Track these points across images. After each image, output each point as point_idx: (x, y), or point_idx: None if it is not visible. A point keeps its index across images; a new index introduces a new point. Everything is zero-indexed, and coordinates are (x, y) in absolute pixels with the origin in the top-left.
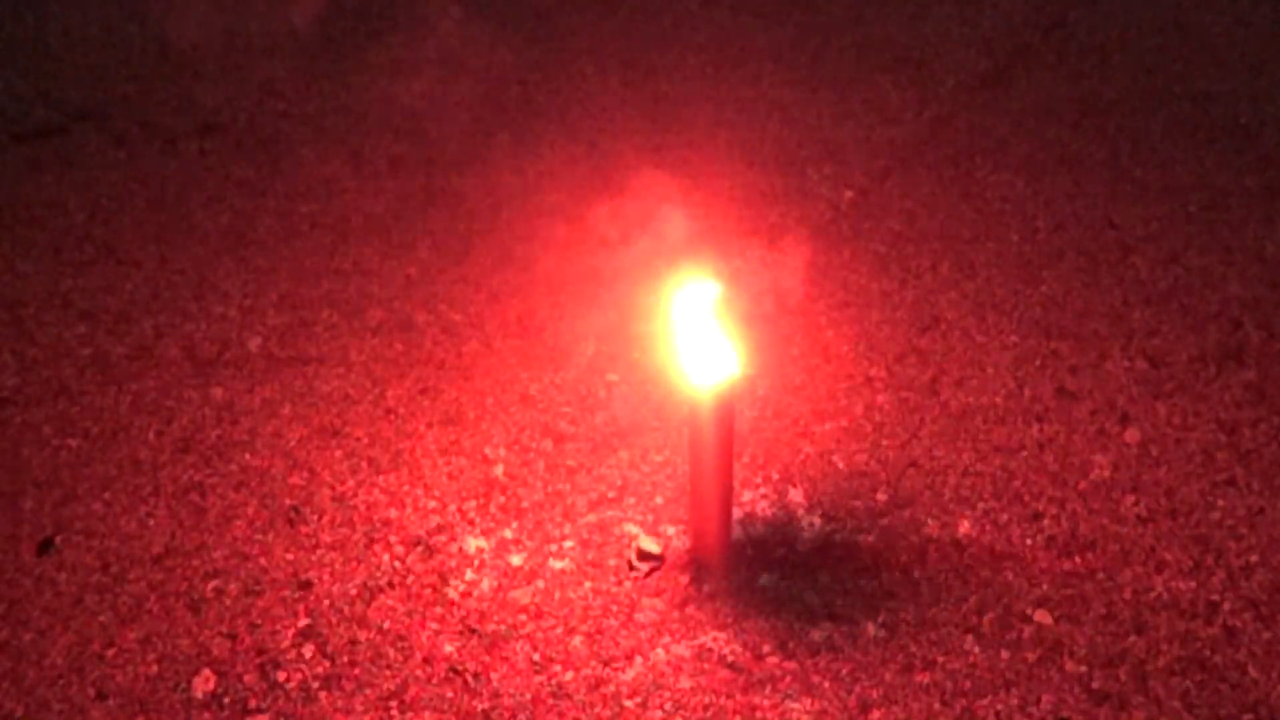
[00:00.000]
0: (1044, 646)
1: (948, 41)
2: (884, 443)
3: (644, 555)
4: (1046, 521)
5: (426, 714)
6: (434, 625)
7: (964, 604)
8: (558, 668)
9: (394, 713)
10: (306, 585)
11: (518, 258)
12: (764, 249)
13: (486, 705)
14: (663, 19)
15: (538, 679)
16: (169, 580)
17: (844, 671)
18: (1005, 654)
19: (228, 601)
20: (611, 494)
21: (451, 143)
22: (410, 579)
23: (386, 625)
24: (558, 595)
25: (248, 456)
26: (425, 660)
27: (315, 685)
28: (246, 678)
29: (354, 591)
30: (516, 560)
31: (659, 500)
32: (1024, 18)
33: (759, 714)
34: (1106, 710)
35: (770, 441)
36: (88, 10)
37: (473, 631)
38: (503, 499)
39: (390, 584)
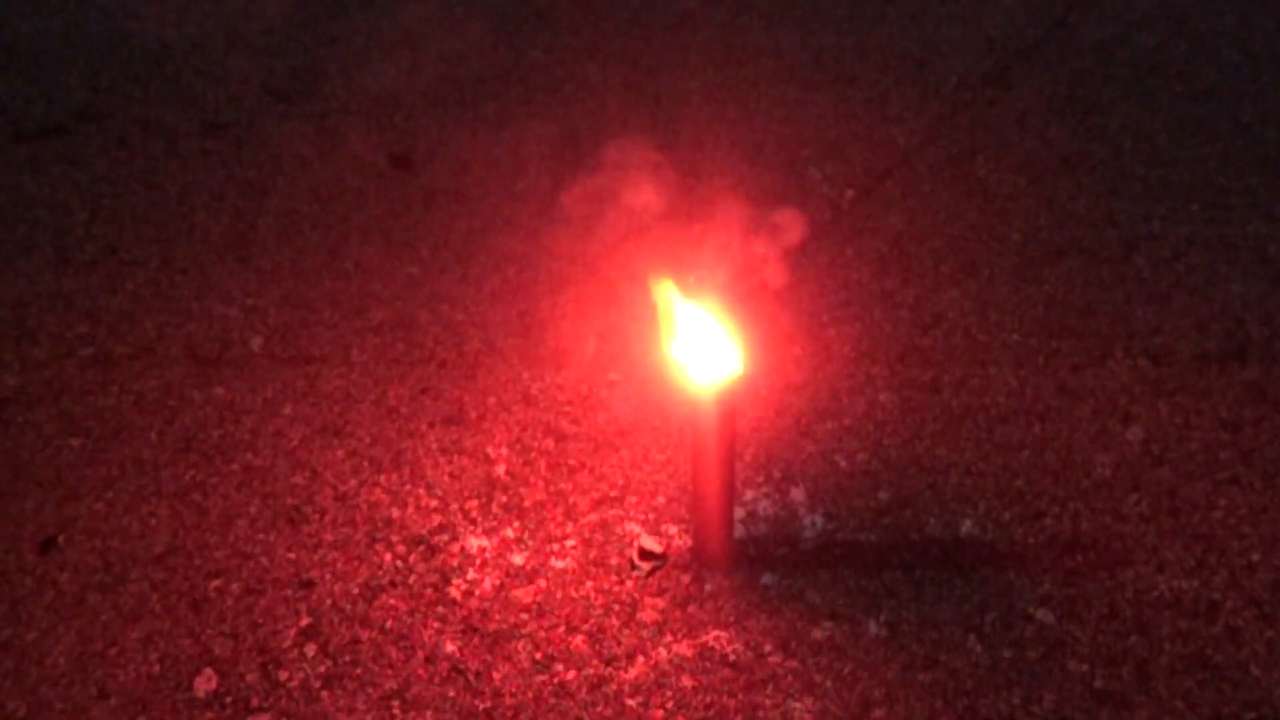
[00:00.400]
0: (1046, 645)
1: (949, 40)
2: (886, 441)
3: (646, 554)
4: (1048, 520)
5: (428, 713)
6: (436, 624)
7: (966, 603)
8: (560, 667)
9: (396, 712)
10: (308, 584)
11: (519, 257)
12: (766, 248)
13: (488, 704)
14: (664, 18)
15: (539, 678)
16: (171, 579)
17: (846, 670)
18: (1007, 653)
19: (230, 601)
20: (613, 493)
21: (452, 142)
22: (412, 578)
23: (388, 624)
24: (559, 594)
25: (249, 456)
26: (427, 659)
27: (317, 684)
28: (248, 677)
29: (356, 591)
30: (518, 559)
31: (661, 499)
32: (1025, 16)
33: (761, 713)
34: (1109, 709)
35: (772, 440)
36: (89, 10)
37: (475, 631)
38: (504, 498)
39: (392, 583)
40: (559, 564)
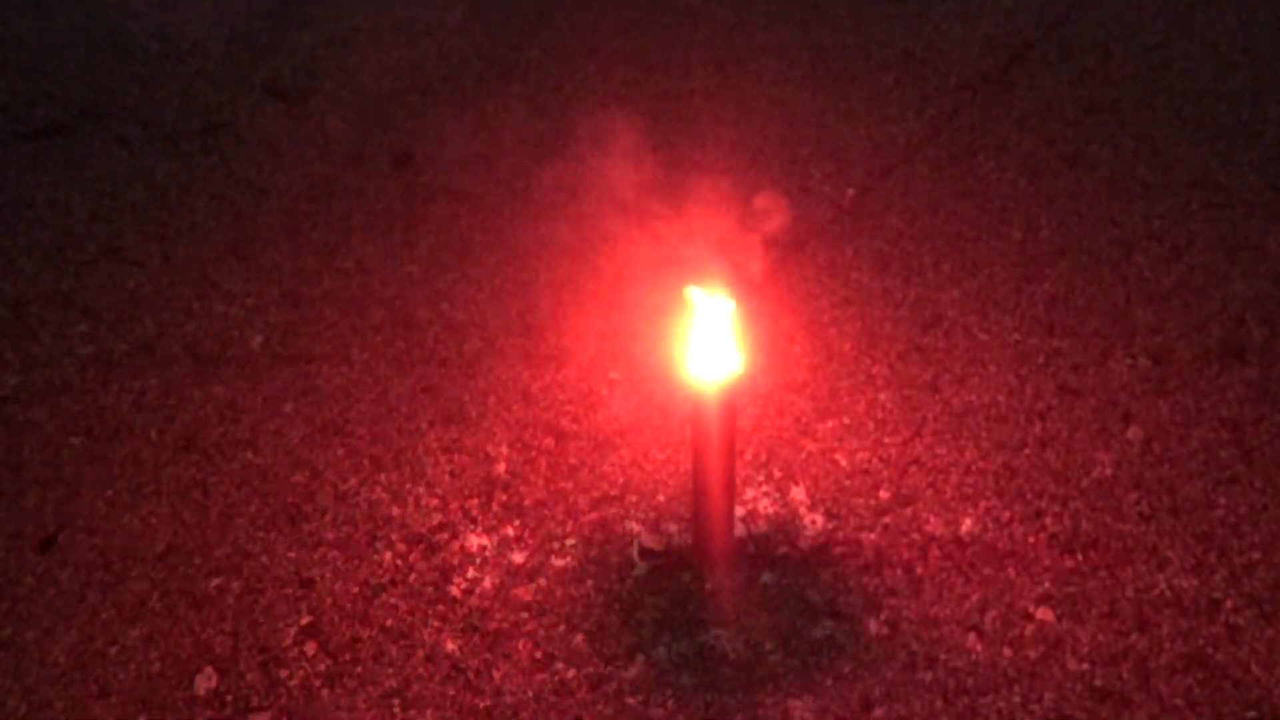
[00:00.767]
0: (1046, 644)
1: (950, 39)
2: (886, 440)
3: (646, 553)
4: (1049, 519)
5: (429, 712)
6: (436, 623)
7: (966, 602)
8: (560, 665)
9: (396, 710)
10: (309, 583)
11: (519, 255)
12: (766, 247)
13: (489, 703)
14: (664, 17)
15: (540, 677)
16: (171, 578)
17: (846, 669)
18: (1008, 651)
19: (230, 599)
20: (613, 491)
21: (452, 141)
22: (412, 577)
23: (389, 623)
24: (560, 593)
25: (250, 454)
26: (427, 658)
27: (317, 683)
28: (249, 675)
29: (356, 589)
30: (518, 558)
31: (661, 498)
32: (1026, 16)
33: (761, 712)
34: (1109, 708)
35: (772, 439)
36: (90, 9)
37: (475, 629)
38: (505, 496)
39: (392, 582)
40: (559, 562)
